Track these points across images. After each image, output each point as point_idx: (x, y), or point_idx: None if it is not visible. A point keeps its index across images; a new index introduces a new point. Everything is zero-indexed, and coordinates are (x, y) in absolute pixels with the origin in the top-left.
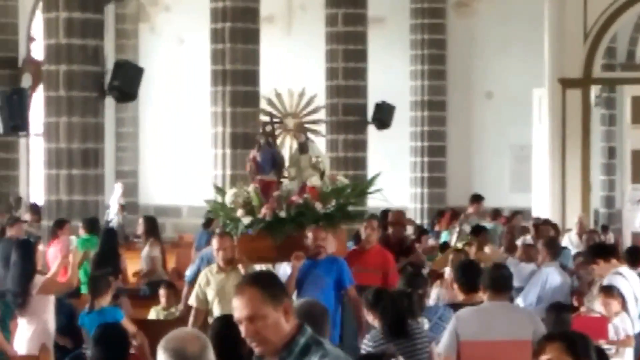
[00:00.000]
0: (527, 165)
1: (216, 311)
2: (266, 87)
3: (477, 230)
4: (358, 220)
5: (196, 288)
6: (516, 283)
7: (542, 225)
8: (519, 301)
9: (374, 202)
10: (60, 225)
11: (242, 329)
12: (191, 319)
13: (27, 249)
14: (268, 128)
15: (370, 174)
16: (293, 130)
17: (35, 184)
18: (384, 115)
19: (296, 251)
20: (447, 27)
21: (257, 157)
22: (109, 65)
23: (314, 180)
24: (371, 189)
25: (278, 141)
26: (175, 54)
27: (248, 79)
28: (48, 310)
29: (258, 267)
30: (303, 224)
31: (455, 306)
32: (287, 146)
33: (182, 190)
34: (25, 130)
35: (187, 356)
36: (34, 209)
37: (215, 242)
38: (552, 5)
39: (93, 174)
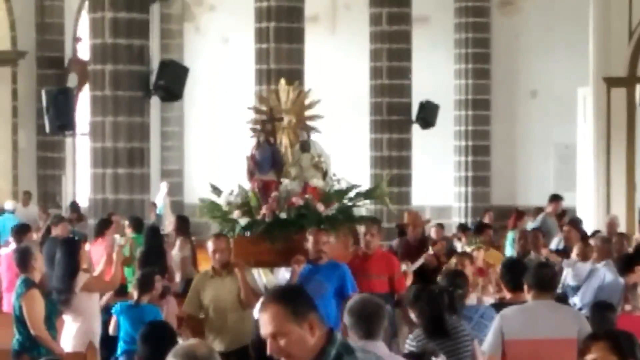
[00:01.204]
0: (571, 164)
1: (211, 317)
2: (310, 86)
3: (481, 228)
4: (363, 223)
5: (190, 293)
6: (574, 282)
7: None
8: (577, 300)
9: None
10: (106, 224)
11: (268, 344)
12: (184, 327)
13: (71, 246)
14: (267, 126)
15: (414, 173)
16: (288, 128)
17: (81, 183)
18: (428, 115)
19: (297, 255)
20: (491, 26)
21: (256, 156)
22: (155, 64)
23: (316, 181)
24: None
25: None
26: (220, 54)
27: (292, 78)
28: (93, 307)
29: (255, 271)
30: (304, 226)
31: (497, 305)
32: (284, 144)
33: (226, 188)
34: (72, 129)
35: (198, 356)
36: (74, 207)
37: (210, 243)
38: (597, 3)
39: (139, 172)
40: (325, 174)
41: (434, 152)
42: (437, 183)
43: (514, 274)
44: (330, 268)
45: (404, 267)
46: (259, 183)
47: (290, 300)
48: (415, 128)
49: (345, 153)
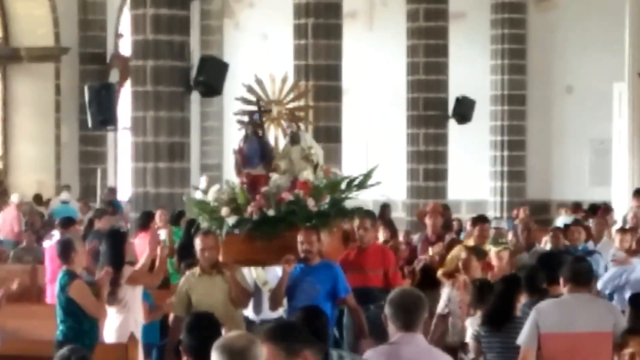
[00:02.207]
0: (607, 159)
1: None
2: (348, 82)
3: (478, 220)
4: (356, 216)
5: (178, 294)
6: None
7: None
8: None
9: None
10: (149, 217)
11: None
12: (172, 330)
13: (116, 239)
14: (255, 116)
15: (450, 168)
16: (277, 119)
17: (122, 177)
18: (464, 110)
19: (287, 254)
20: (527, 22)
21: (244, 149)
22: (195, 60)
23: (306, 174)
24: (369, 182)
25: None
26: (259, 50)
27: (330, 73)
28: (136, 300)
29: (246, 270)
30: (294, 223)
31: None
32: (273, 137)
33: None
34: (114, 124)
35: (235, 349)
36: (109, 201)
37: (198, 241)
38: None
39: (179, 167)
40: (316, 167)
41: (470, 146)
42: (472, 178)
43: (550, 268)
44: (322, 269)
45: (415, 263)
46: (248, 178)
47: (283, 339)
48: (452, 123)
49: (382, 148)
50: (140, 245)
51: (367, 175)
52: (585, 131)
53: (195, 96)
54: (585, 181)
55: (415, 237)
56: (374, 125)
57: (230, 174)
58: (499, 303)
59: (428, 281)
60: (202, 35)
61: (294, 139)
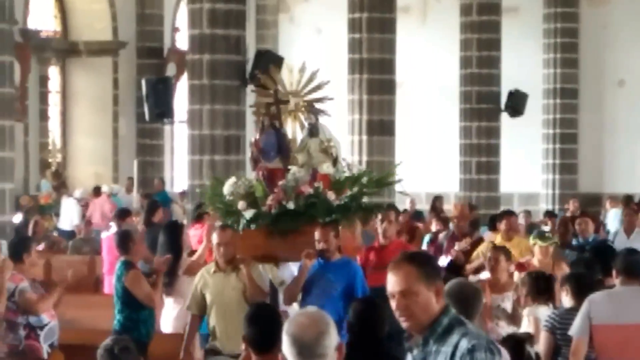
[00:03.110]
0: None
1: (213, 319)
2: (401, 76)
3: (505, 214)
4: (377, 211)
5: (192, 292)
6: None
7: (580, 217)
8: None
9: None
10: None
11: (393, 302)
12: (188, 327)
13: (174, 231)
14: (272, 109)
15: (502, 160)
16: (295, 111)
17: (179, 169)
18: (517, 103)
19: (307, 248)
20: (579, 16)
21: (260, 142)
22: (250, 54)
23: (326, 167)
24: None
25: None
26: (314, 44)
27: (384, 67)
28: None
29: (262, 270)
30: (314, 217)
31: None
32: (291, 129)
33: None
34: (170, 117)
35: (304, 342)
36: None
37: (214, 236)
38: None
39: (234, 159)
40: (335, 160)
41: (522, 139)
42: (525, 170)
43: (603, 259)
44: (341, 266)
45: (440, 262)
46: (264, 171)
47: (424, 263)
48: (504, 116)
49: (435, 141)
50: (195, 237)
51: (390, 171)
52: (637, 124)
53: (250, 90)
54: (637, 174)
55: (441, 236)
56: (426, 119)
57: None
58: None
59: (453, 278)
60: (258, 30)
61: (313, 131)
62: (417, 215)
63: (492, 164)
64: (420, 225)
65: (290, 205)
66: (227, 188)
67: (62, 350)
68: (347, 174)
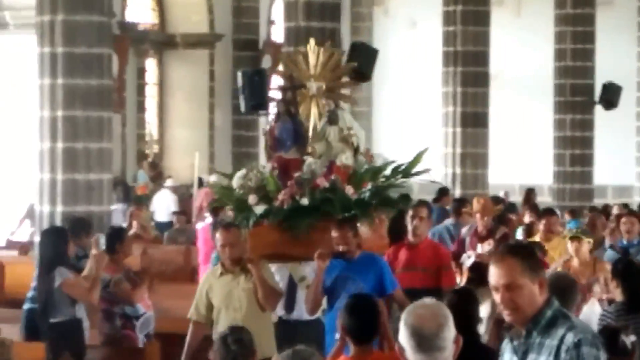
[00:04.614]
0: None
1: (222, 324)
2: (495, 68)
3: (545, 213)
4: (402, 206)
5: (196, 296)
6: None
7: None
8: None
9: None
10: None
11: (497, 295)
12: (188, 336)
13: None
14: (287, 94)
15: (596, 153)
16: (317, 96)
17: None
18: (611, 96)
19: (320, 248)
20: None
21: (275, 130)
22: (345, 47)
23: (345, 158)
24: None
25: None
26: (408, 36)
27: (478, 60)
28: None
29: (274, 267)
30: (330, 213)
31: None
32: (313, 116)
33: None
34: (265, 109)
35: (424, 334)
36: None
37: (218, 236)
38: None
39: None
40: (356, 150)
41: (616, 132)
42: (619, 163)
43: None
44: (364, 263)
45: (463, 259)
46: (279, 162)
47: (528, 256)
48: (598, 109)
49: (529, 133)
50: None
51: (414, 161)
52: None
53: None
54: None
55: (464, 230)
56: (520, 111)
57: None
58: None
59: (478, 280)
60: (353, 22)
61: (332, 119)
62: (511, 207)
63: (586, 156)
64: (513, 217)
65: (305, 201)
66: (236, 181)
67: (157, 339)
68: (367, 165)
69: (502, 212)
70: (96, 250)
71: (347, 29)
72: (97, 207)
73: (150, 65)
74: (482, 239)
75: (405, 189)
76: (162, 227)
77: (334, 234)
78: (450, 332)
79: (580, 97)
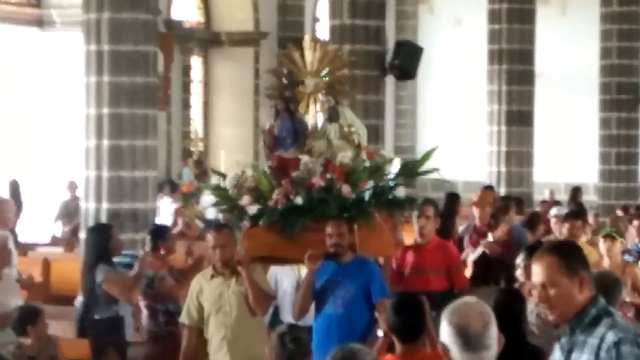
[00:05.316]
0: None
1: (211, 328)
2: (540, 66)
3: (569, 216)
4: (408, 208)
5: (187, 300)
6: None
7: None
8: None
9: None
10: None
11: (535, 293)
12: (183, 342)
13: None
14: (286, 92)
15: None
16: (315, 93)
17: None
18: None
19: (310, 250)
20: None
21: (274, 128)
22: (390, 45)
23: (342, 157)
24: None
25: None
26: (453, 35)
27: (524, 58)
28: None
29: (288, 269)
30: (325, 214)
31: None
32: (311, 114)
33: (458, 166)
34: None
35: (470, 333)
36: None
37: (210, 237)
38: None
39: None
40: (358, 148)
41: None
42: None
43: None
44: (355, 267)
45: (463, 256)
46: (278, 161)
47: (566, 254)
48: None
49: (574, 131)
50: None
51: (422, 159)
52: None
53: (390, 80)
54: None
55: (461, 229)
56: (565, 109)
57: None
58: None
59: (485, 276)
60: (398, 20)
61: (332, 116)
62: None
63: (632, 154)
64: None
65: (299, 201)
66: (229, 181)
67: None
68: (367, 163)
69: (500, 206)
70: (143, 251)
71: (392, 27)
72: (142, 205)
73: (196, 63)
74: (481, 235)
75: (402, 190)
76: (211, 224)
77: (328, 229)
78: (494, 330)
79: (625, 95)
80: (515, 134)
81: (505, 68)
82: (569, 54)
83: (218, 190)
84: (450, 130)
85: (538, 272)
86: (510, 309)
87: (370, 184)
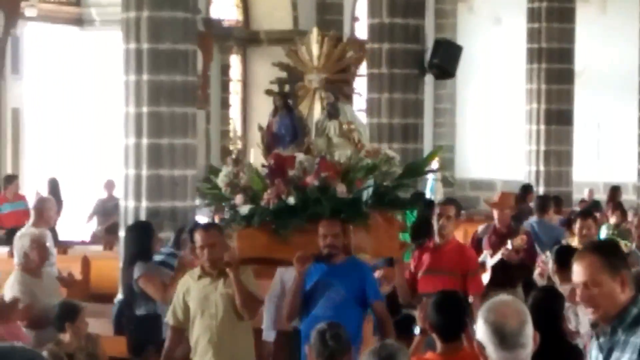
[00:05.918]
0: None
1: (197, 331)
2: (580, 65)
3: (579, 215)
4: (408, 209)
5: (174, 300)
6: None
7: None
8: None
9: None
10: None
11: (578, 292)
12: (166, 342)
13: None
14: (285, 87)
15: None
16: (320, 89)
17: None
18: None
19: (298, 252)
20: None
21: (273, 126)
22: (429, 43)
23: (337, 155)
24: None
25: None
26: (492, 33)
27: (563, 56)
28: None
29: (286, 271)
30: (318, 214)
31: None
32: (315, 111)
33: (497, 165)
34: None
35: (506, 331)
36: None
37: (197, 237)
38: None
39: (412, 148)
40: (358, 146)
41: None
42: None
43: None
44: (348, 269)
45: (481, 258)
46: (275, 160)
47: (608, 253)
48: None
49: (614, 131)
50: None
51: (427, 159)
52: None
53: (429, 78)
54: None
55: (480, 228)
56: (605, 108)
57: (462, 155)
58: None
59: (503, 281)
60: (437, 19)
61: (332, 113)
62: (595, 205)
63: None
64: (597, 214)
65: (291, 201)
66: (221, 178)
67: None
68: (365, 162)
69: (521, 209)
70: (183, 252)
71: (431, 26)
72: (181, 203)
73: (234, 61)
74: (502, 237)
75: (407, 189)
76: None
77: (321, 229)
78: (530, 328)
79: None
80: (554, 132)
81: (545, 67)
82: (609, 53)
83: (212, 189)
84: (489, 129)
85: (580, 271)
86: (548, 307)
87: (371, 183)
